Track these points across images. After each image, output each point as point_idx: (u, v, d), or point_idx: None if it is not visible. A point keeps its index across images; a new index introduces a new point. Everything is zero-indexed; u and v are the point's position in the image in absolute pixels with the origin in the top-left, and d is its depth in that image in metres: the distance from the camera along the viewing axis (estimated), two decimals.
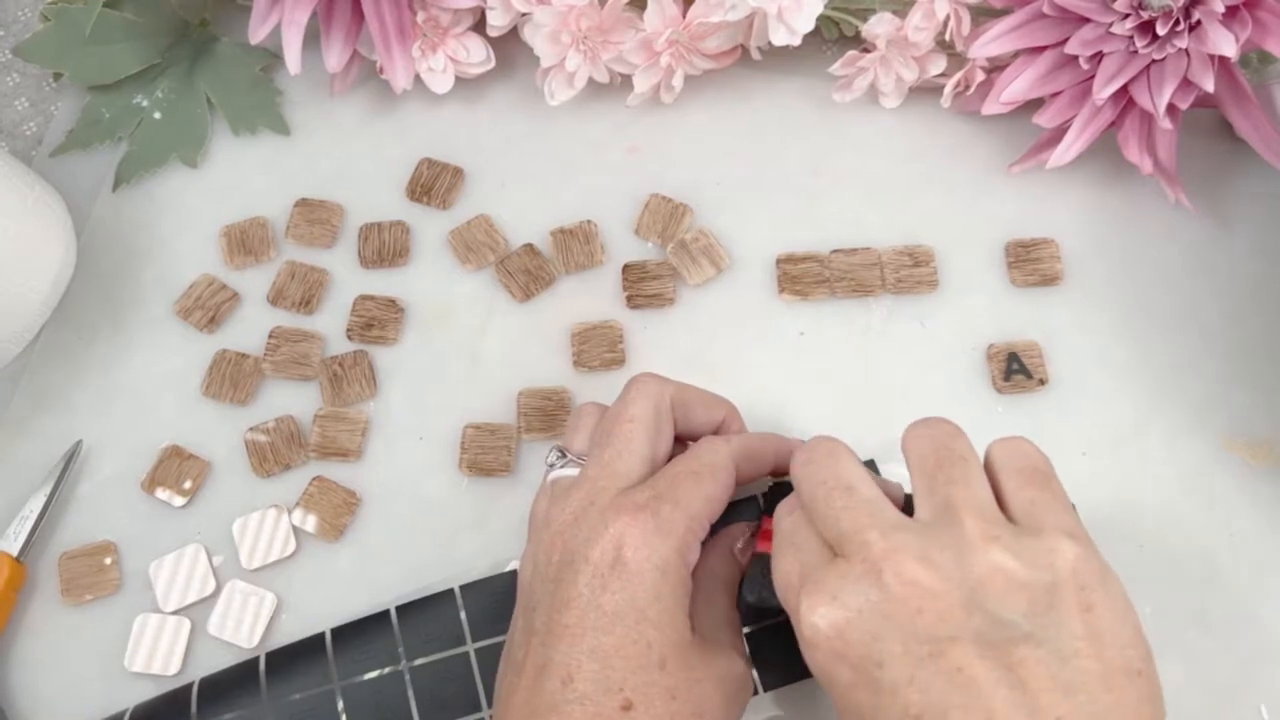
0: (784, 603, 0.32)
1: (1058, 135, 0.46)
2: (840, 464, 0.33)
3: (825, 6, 0.45)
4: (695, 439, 0.38)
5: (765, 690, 0.38)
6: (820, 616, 0.30)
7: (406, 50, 0.48)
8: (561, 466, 0.37)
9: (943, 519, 0.31)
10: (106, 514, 0.44)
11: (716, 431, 0.39)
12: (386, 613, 0.40)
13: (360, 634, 0.40)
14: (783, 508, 0.34)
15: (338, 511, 0.43)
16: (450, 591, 0.41)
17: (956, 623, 0.29)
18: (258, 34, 0.48)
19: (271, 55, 0.52)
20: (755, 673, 0.39)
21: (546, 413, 0.44)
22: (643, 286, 0.47)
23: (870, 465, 0.42)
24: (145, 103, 0.51)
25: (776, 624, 0.39)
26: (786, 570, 0.32)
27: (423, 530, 0.43)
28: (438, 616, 0.40)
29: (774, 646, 0.39)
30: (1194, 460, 0.43)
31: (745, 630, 0.39)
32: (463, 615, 0.40)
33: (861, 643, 0.29)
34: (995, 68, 0.47)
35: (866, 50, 0.47)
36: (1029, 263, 0.46)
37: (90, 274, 0.48)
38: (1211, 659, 0.40)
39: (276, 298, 0.47)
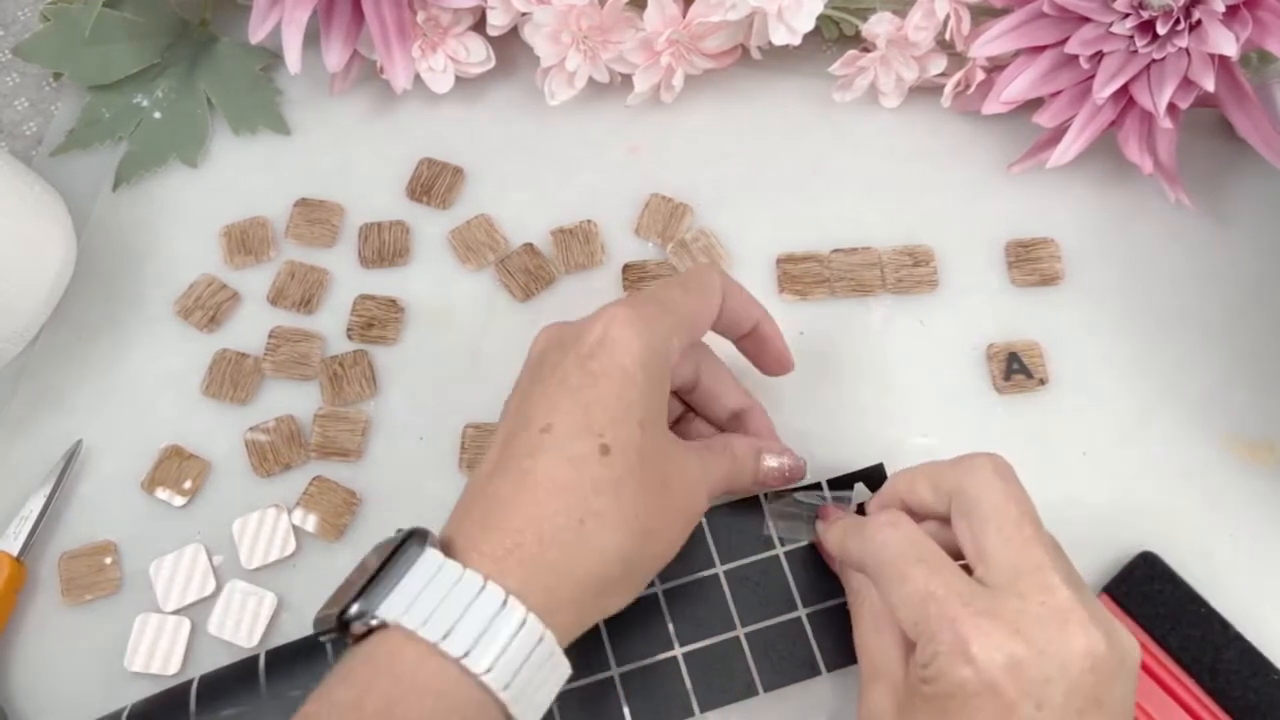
0: (918, 617, 0.31)
1: (1058, 135, 0.45)
2: (1022, 492, 0.34)
3: (825, 6, 0.45)
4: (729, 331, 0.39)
5: (765, 690, 0.38)
6: (998, 648, 0.29)
7: (406, 50, 0.48)
8: None
9: (1075, 585, 0.31)
10: (106, 514, 0.44)
11: (750, 334, 0.40)
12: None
13: None
14: (884, 518, 0.34)
15: (338, 511, 0.43)
16: None
17: (1108, 691, 0.30)
18: (257, 33, 0.48)
19: (271, 55, 0.52)
20: (756, 674, 0.39)
21: None
22: (643, 286, 0.47)
23: (879, 471, 0.42)
24: (145, 102, 0.51)
25: (781, 623, 0.39)
26: (926, 585, 0.31)
27: None
28: None
29: (777, 647, 0.39)
30: (1194, 460, 0.43)
31: (750, 629, 0.39)
32: None
33: (1033, 682, 0.29)
34: (995, 67, 0.47)
35: (866, 50, 0.47)
36: (1029, 262, 0.46)
37: (90, 274, 0.48)
38: None
39: (276, 297, 0.47)
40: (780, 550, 0.40)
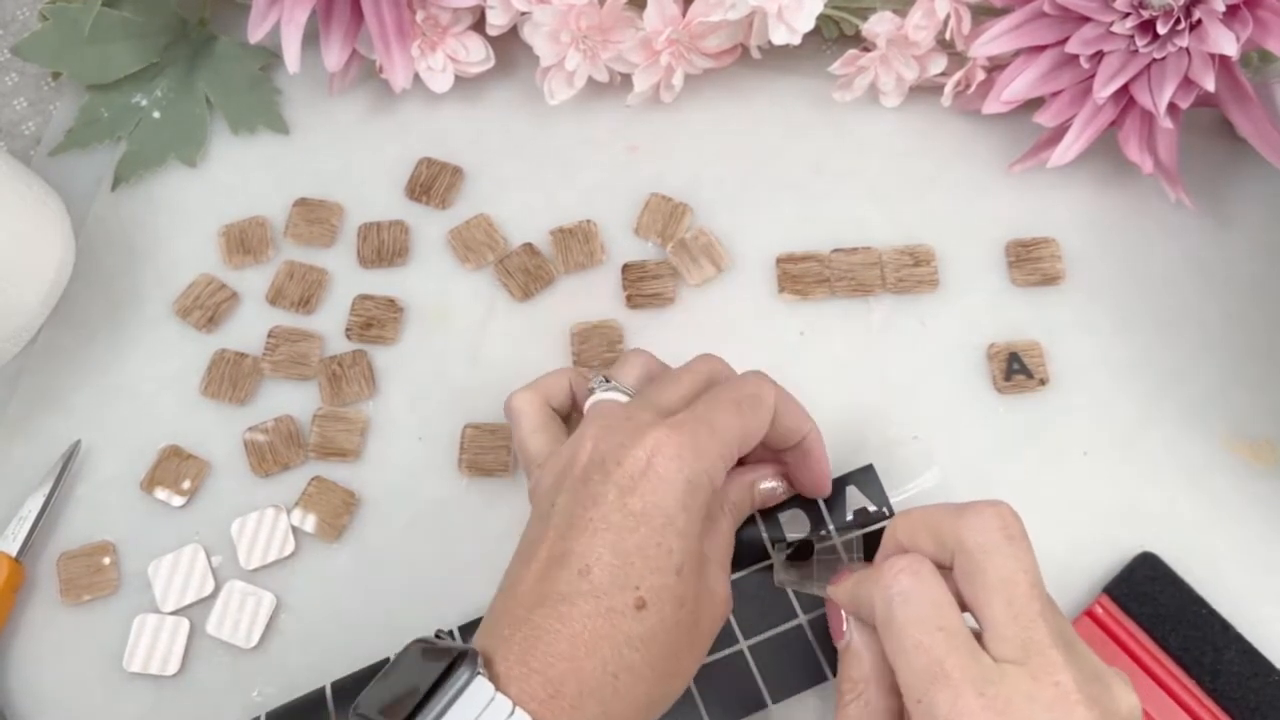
0: (923, 694, 0.30)
1: (1058, 134, 0.45)
2: (1031, 556, 0.32)
3: (825, 5, 0.45)
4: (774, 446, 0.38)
5: (773, 703, 0.39)
6: None
7: (406, 49, 0.48)
8: (605, 391, 0.37)
9: (1076, 660, 0.30)
10: (105, 514, 0.44)
11: (794, 447, 0.39)
12: (386, 661, 0.40)
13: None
14: (904, 563, 0.32)
15: (337, 511, 0.43)
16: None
17: None
18: (256, 33, 0.48)
19: (270, 54, 0.51)
20: (762, 684, 0.39)
21: None
22: (642, 286, 0.47)
23: (869, 471, 0.42)
24: (144, 102, 0.51)
25: (771, 638, 0.39)
26: (942, 663, 0.30)
27: (422, 530, 0.43)
28: None
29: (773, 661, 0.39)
30: (1194, 460, 0.43)
31: (745, 645, 0.39)
32: None
33: None
34: (995, 67, 0.47)
35: (866, 49, 0.47)
36: (1029, 262, 0.46)
37: (89, 274, 0.48)
38: None
39: (275, 297, 0.47)
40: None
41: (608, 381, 0.38)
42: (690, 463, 0.33)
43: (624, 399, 0.37)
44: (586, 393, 0.38)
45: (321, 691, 0.40)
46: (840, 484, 0.41)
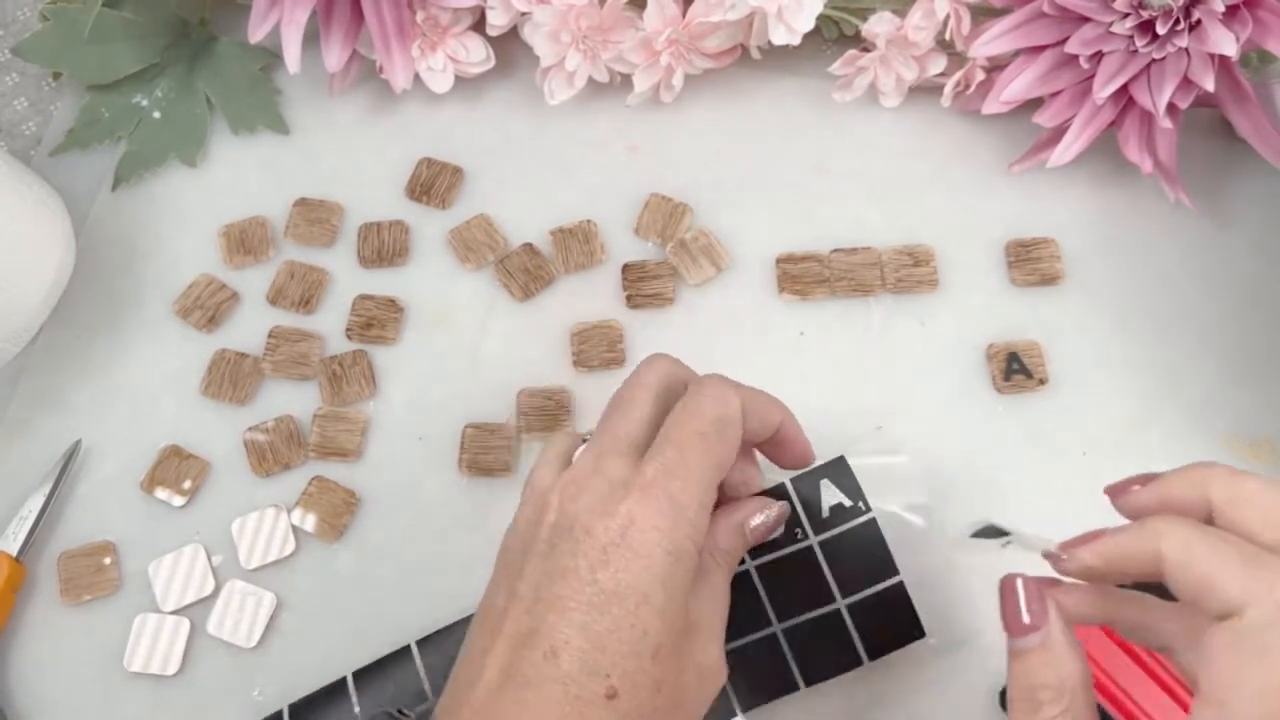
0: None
1: (1058, 135, 0.45)
2: None
3: (825, 6, 0.45)
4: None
5: (743, 712, 0.38)
6: None
7: (406, 50, 0.48)
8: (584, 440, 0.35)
9: None
10: (106, 514, 0.44)
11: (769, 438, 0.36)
12: (407, 648, 0.40)
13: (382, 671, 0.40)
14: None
15: (337, 511, 0.43)
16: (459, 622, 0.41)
17: None
18: (257, 33, 0.48)
19: (271, 55, 0.51)
20: (732, 692, 0.38)
21: (547, 413, 0.44)
22: (642, 286, 0.47)
23: (841, 464, 0.40)
24: (144, 102, 0.51)
25: (755, 641, 0.39)
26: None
27: (422, 530, 0.43)
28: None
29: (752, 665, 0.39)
30: (1194, 460, 0.43)
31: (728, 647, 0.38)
32: None
33: None
34: (995, 67, 0.47)
35: (866, 49, 0.47)
36: (1029, 262, 0.46)
37: (90, 274, 0.48)
38: None
39: (276, 297, 0.47)
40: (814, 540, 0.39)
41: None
42: (669, 532, 0.31)
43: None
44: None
45: (343, 681, 0.40)
46: (814, 479, 0.40)
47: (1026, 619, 0.30)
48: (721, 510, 0.36)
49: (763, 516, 0.36)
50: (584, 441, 0.35)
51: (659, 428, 0.33)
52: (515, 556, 0.32)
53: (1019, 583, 0.30)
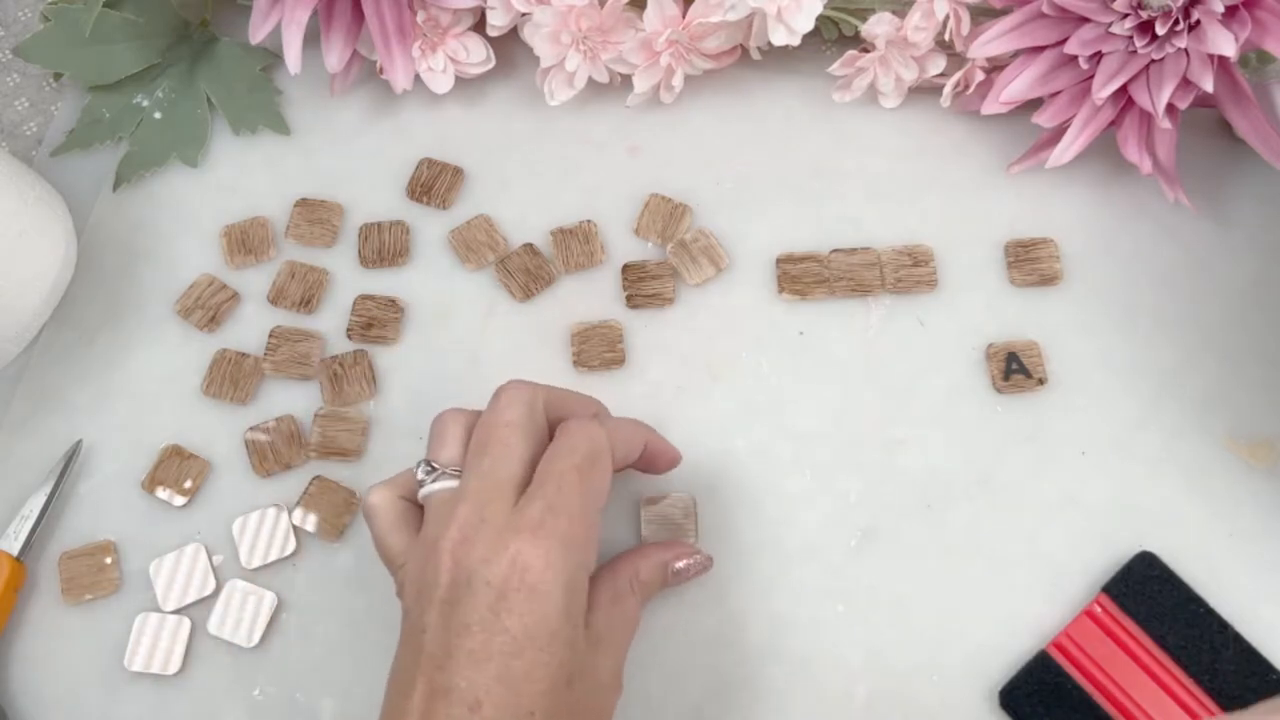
0: None
1: (1057, 135, 0.46)
2: None
3: (825, 6, 0.45)
4: None
5: None
6: None
7: (406, 50, 0.48)
8: (434, 481, 0.36)
9: None
10: (106, 514, 0.44)
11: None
12: None
13: None
14: None
15: (338, 511, 0.43)
16: None
17: None
18: (258, 34, 0.48)
19: (272, 55, 0.52)
20: None
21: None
22: (642, 286, 0.47)
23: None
24: (145, 102, 0.51)
25: None
26: None
27: None
28: None
29: None
30: (1194, 460, 0.43)
31: None
32: None
33: None
34: (995, 67, 0.47)
35: (866, 50, 0.47)
36: (1028, 262, 0.46)
37: (90, 274, 0.48)
38: None
39: (276, 297, 0.47)
40: None
41: (432, 468, 0.36)
42: (562, 568, 0.32)
43: (455, 484, 0.35)
44: (416, 484, 0.36)
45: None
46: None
47: None
48: (651, 546, 0.39)
49: (687, 561, 0.39)
50: (428, 469, 0.36)
51: (534, 463, 0.35)
52: (417, 615, 0.33)
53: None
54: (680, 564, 0.39)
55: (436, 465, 0.36)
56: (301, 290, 0.47)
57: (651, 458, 0.39)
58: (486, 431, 0.35)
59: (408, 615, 0.34)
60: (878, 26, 0.46)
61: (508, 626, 0.31)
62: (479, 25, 0.49)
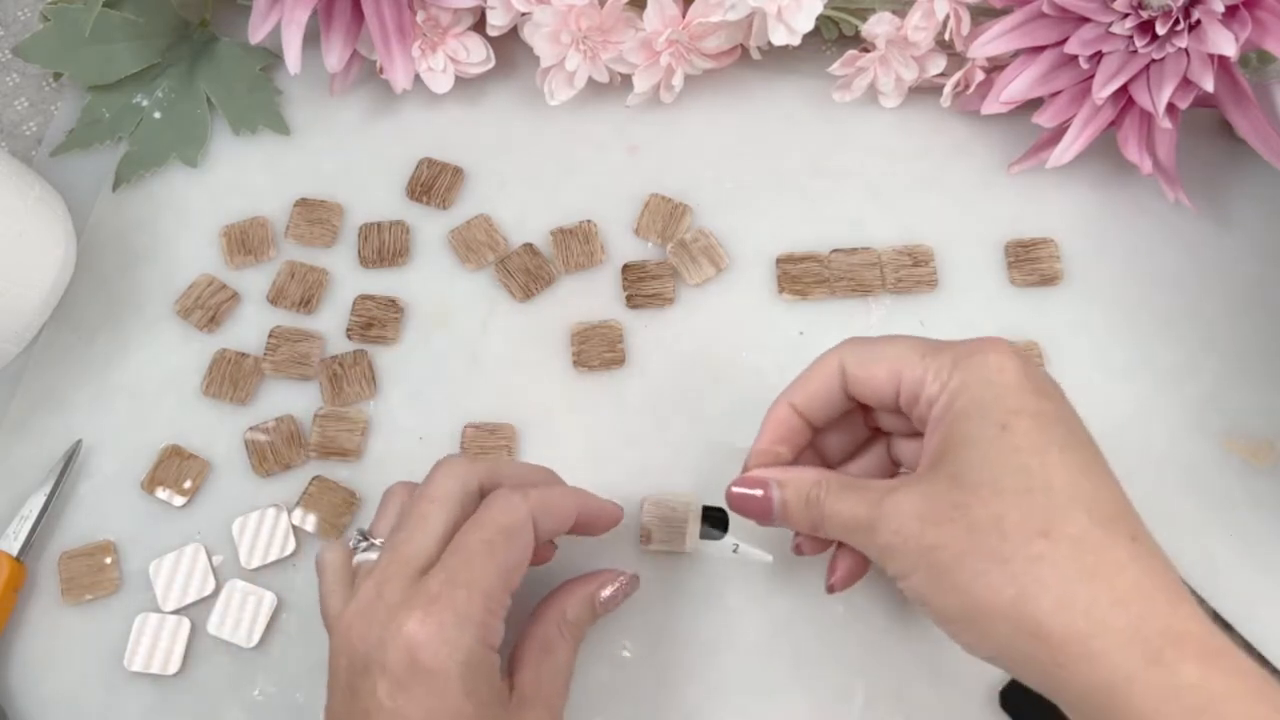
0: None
1: (1057, 135, 0.46)
2: None
3: (825, 6, 0.45)
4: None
5: None
6: None
7: (406, 50, 0.48)
8: (363, 550, 0.35)
9: None
10: (106, 514, 0.44)
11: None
12: None
13: None
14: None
15: (337, 511, 0.43)
16: None
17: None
18: (258, 34, 0.48)
19: (271, 55, 0.52)
20: None
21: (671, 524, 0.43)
22: (642, 286, 0.47)
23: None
24: (145, 102, 0.51)
25: None
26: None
27: None
28: None
29: None
30: (1194, 460, 0.43)
31: None
32: None
33: None
34: (995, 67, 0.47)
35: (866, 50, 0.47)
36: (1028, 262, 0.46)
37: (90, 274, 0.48)
38: None
39: (276, 297, 0.47)
40: None
41: (365, 539, 0.35)
42: (458, 644, 0.31)
43: (375, 556, 0.34)
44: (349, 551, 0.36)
45: None
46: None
47: (759, 493, 0.35)
48: (573, 582, 0.38)
49: (613, 588, 0.38)
50: (360, 539, 0.35)
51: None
52: (329, 696, 0.33)
53: (734, 489, 0.36)
54: (606, 592, 0.38)
55: (368, 536, 0.35)
56: (301, 290, 0.47)
57: (588, 523, 0.37)
58: (411, 505, 0.34)
59: (327, 695, 0.33)
60: (878, 26, 0.46)
61: (404, 710, 0.30)
62: (479, 25, 0.49)
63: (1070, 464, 0.31)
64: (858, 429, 0.38)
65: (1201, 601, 0.39)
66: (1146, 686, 0.27)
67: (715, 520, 0.42)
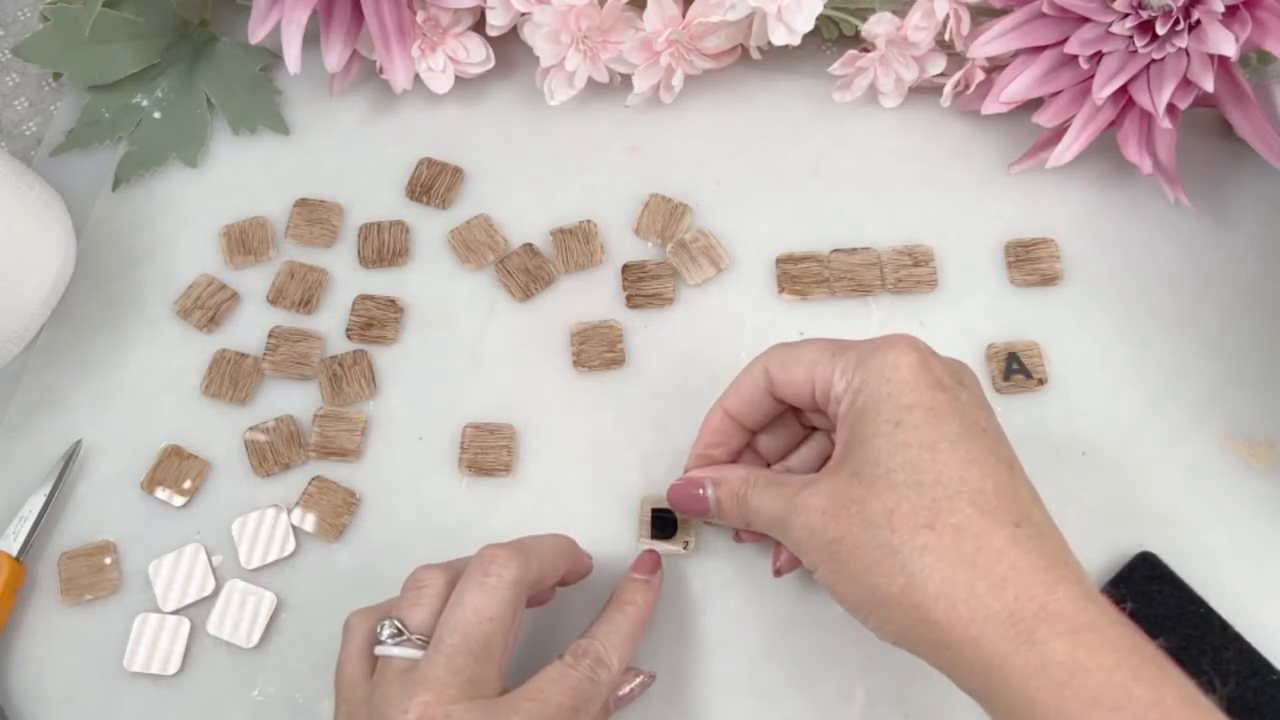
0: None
1: (1057, 135, 0.46)
2: None
3: (825, 6, 0.45)
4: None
5: None
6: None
7: (406, 50, 0.48)
8: (396, 644, 0.34)
9: None
10: (106, 514, 0.44)
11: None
12: None
13: None
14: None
15: (337, 511, 0.43)
16: None
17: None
18: (257, 34, 0.48)
19: (271, 55, 0.52)
20: None
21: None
22: (642, 286, 0.47)
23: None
24: (145, 102, 0.51)
25: None
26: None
27: (422, 530, 0.43)
28: None
29: None
30: (1194, 460, 0.43)
31: None
32: None
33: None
34: (995, 67, 0.47)
35: (866, 50, 0.47)
36: (1028, 262, 0.46)
37: (90, 274, 0.48)
38: None
39: (276, 297, 0.47)
40: None
41: (401, 632, 0.34)
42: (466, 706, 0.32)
43: (417, 655, 0.33)
44: (375, 639, 0.35)
45: None
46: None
47: (699, 492, 0.38)
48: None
49: (628, 688, 0.39)
50: (396, 631, 0.35)
51: (504, 660, 0.34)
52: None
53: (673, 488, 0.39)
54: (622, 691, 0.38)
55: (405, 629, 0.34)
56: (301, 290, 0.47)
57: (573, 576, 0.40)
58: (468, 621, 0.33)
59: None
60: (878, 26, 0.46)
61: None
62: (479, 25, 0.49)
63: (960, 456, 0.32)
64: (793, 428, 0.41)
65: (1182, 589, 0.40)
66: (1019, 664, 0.29)
67: (663, 522, 0.42)
